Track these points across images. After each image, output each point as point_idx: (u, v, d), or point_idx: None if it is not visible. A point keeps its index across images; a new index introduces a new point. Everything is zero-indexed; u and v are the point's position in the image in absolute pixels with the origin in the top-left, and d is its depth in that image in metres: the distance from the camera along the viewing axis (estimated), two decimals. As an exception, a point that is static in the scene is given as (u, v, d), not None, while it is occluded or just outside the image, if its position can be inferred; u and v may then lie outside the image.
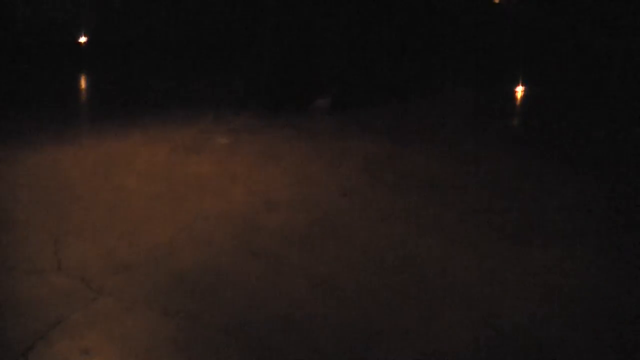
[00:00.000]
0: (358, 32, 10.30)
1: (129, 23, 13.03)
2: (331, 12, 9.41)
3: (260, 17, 9.53)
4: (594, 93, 10.70)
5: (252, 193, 6.15)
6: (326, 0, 9.36)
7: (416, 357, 3.74)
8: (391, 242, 5.16)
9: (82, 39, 12.74)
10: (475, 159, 7.44)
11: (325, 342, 3.79)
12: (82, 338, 3.75)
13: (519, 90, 11.10)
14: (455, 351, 3.79)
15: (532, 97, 10.88)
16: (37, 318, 3.92)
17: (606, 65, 11.84)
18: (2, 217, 5.41)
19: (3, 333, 3.77)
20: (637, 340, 3.92)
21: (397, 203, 6.01)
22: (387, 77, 11.25)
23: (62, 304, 4.09)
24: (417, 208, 5.90)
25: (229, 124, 8.57)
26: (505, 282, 4.55)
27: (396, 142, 7.95)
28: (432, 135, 8.37)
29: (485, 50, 12.71)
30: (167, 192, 6.11)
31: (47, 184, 6.23)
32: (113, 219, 5.47)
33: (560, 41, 12.13)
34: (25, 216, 5.45)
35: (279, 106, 8.84)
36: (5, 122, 8.44)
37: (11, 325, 3.85)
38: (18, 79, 10.67)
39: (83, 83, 11.34)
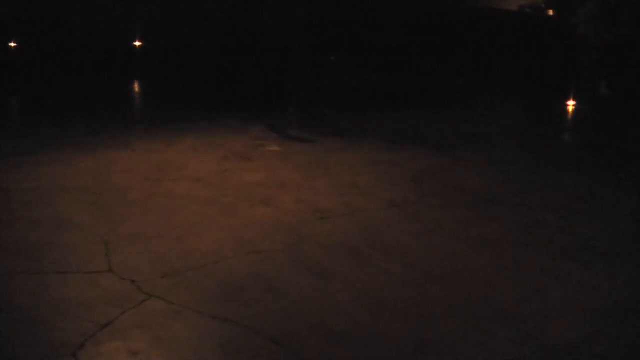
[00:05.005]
0: None
1: (185, 29, 13.22)
2: None
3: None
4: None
5: (301, 202, 6.19)
6: None
7: (461, 372, 3.74)
8: (438, 255, 5.15)
9: (137, 43, 12.98)
10: (525, 174, 7.38)
11: (368, 353, 3.79)
12: (131, 339, 3.80)
13: (571, 105, 10.99)
14: (500, 367, 3.78)
15: (586, 113, 10.77)
16: (87, 319, 4.00)
17: None
18: (54, 219, 5.53)
19: (54, 333, 3.84)
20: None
21: (445, 216, 5.99)
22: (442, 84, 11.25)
23: (111, 306, 4.16)
24: (465, 222, 5.88)
25: (279, 132, 8.65)
26: (551, 299, 4.50)
27: (445, 155, 7.93)
28: (482, 149, 8.33)
29: (541, 65, 12.61)
30: (217, 198, 6.18)
31: (100, 187, 6.35)
32: (164, 223, 5.55)
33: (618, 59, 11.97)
34: (78, 219, 5.57)
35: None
36: (61, 126, 8.64)
37: (62, 325, 3.92)
38: (74, 85, 10.90)
39: (137, 88, 11.53)
